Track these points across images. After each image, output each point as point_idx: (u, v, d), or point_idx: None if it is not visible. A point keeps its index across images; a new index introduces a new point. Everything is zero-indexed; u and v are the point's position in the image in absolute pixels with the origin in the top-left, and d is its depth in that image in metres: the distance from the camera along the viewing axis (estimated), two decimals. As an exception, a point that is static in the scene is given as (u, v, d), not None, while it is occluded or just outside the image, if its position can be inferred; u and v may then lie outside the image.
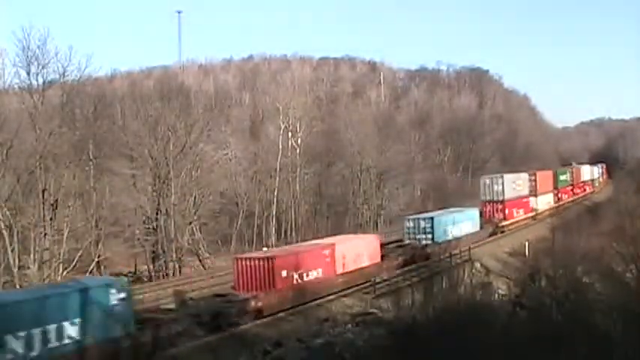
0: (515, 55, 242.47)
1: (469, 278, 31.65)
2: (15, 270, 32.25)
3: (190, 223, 43.86)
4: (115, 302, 19.89)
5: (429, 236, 39.21)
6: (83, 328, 18.78)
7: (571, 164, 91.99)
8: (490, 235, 47.87)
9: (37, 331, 17.69)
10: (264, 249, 39.84)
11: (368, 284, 30.41)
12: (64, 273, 34.18)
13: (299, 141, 59.63)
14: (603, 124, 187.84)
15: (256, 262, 26.60)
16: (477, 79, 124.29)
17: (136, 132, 43.91)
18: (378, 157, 63.90)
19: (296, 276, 27.48)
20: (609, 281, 28.47)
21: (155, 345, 20.40)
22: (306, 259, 28.71)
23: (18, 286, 31.98)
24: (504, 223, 51.65)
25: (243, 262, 26.81)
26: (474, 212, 47.61)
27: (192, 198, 44.68)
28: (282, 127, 58.85)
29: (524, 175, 60.63)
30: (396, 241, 40.66)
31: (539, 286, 30.37)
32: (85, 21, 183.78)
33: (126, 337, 19.71)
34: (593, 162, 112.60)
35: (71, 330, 18.54)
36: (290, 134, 59.19)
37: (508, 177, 55.67)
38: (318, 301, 27.98)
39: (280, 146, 57.55)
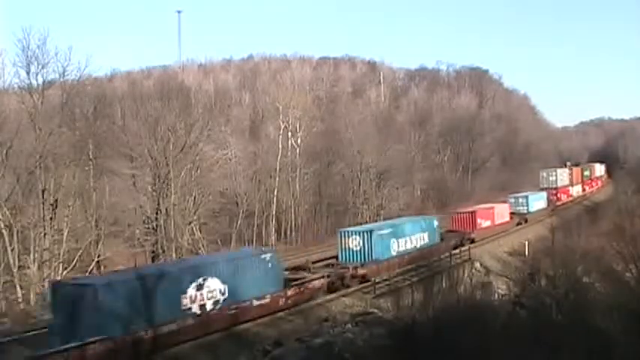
0: (515, 55, 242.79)
1: (469, 278, 31.69)
2: (15, 270, 32.25)
3: (190, 222, 43.87)
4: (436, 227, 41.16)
5: (525, 208, 60.07)
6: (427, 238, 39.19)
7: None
8: (551, 211, 64.47)
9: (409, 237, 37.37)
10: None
11: (368, 285, 30.86)
12: (64, 273, 34.17)
13: (299, 141, 59.62)
14: (603, 123, 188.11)
15: (466, 215, 48.10)
16: (477, 78, 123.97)
17: (136, 132, 43.91)
18: (377, 157, 63.82)
19: (483, 223, 48.84)
20: (609, 281, 28.54)
21: (155, 344, 20.40)
22: (485, 214, 50.03)
23: (18, 287, 32.03)
24: (558, 203, 71.45)
25: (457, 215, 48.47)
26: (545, 194, 68.12)
27: (192, 198, 44.67)
28: (282, 126, 58.83)
29: (566, 170, 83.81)
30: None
31: (539, 286, 30.41)
32: (85, 21, 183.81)
33: (125, 336, 19.71)
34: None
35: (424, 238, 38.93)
36: (290, 134, 59.18)
37: (559, 170, 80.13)
38: (318, 301, 28.07)
39: (280, 146, 57.52)
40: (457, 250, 39.54)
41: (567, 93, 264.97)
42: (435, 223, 41.02)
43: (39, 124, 35.33)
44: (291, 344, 22.67)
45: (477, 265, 38.95)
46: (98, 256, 38.32)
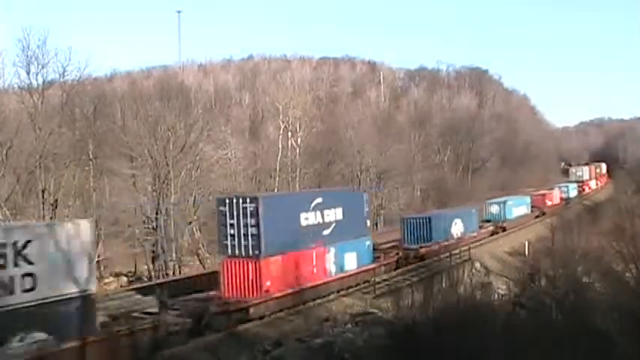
0: (515, 55, 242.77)
1: (469, 278, 31.67)
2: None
3: (190, 223, 43.86)
4: (529, 202, 62.88)
5: (567, 194, 78.98)
6: (525, 209, 61.34)
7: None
8: (581, 196, 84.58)
9: (519, 207, 59.09)
10: None
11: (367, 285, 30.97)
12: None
13: (299, 141, 59.60)
14: (603, 124, 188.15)
15: (539, 196, 66.12)
16: (477, 78, 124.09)
17: (136, 132, 43.92)
18: (377, 157, 63.86)
19: (548, 202, 67.05)
20: (609, 281, 28.49)
21: (155, 343, 20.38)
22: (550, 197, 69.36)
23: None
24: (584, 192, 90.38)
25: (536, 197, 64.86)
26: (576, 185, 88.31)
27: (192, 198, 44.69)
28: (282, 127, 58.82)
29: (587, 167, 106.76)
30: None
31: (539, 286, 30.40)
32: (85, 21, 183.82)
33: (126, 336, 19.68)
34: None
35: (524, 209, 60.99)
36: (290, 134, 59.17)
37: (584, 168, 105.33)
38: (318, 301, 28.10)
39: (280, 146, 57.51)
40: (457, 250, 39.69)
41: (567, 93, 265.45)
42: (528, 199, 61.91)
43: (39, 124, 35.41)
44: (291, 344, 22.64)
45: (477, 265, 38.91)
46: (98, 256, 38.28)
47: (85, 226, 18.65)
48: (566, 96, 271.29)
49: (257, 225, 24.39)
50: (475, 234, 45.83)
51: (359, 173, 63.02)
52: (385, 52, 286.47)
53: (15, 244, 16.49)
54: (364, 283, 30.19)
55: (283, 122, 58.89)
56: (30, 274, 16.58)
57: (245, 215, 24.58)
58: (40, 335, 16.53)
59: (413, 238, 38.73)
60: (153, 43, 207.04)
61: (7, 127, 35.13)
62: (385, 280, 31.54)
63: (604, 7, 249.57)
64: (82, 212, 38.77)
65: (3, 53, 40.46)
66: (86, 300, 17.92)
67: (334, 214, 28.15)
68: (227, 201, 25.31)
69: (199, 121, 47.23)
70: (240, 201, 24.90)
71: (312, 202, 27.31)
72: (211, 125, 50.63)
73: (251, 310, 24.07)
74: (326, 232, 27.78)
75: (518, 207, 57.59)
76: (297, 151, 59.29)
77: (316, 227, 27.21)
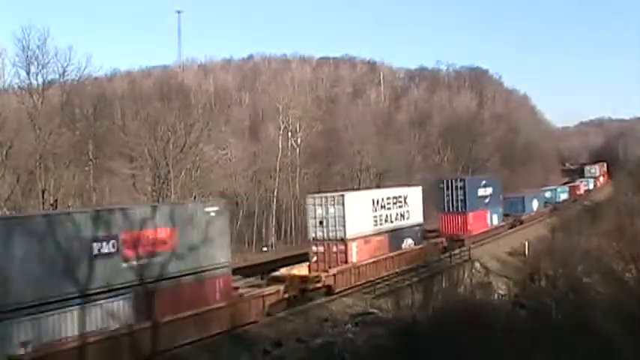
0: (515, 55, 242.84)
1: (469, 278, 31.66)
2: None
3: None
4: (566, 191, 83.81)
5: (587, 186, 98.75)
6: (565, 196, 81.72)
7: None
8: (595, 189, 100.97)
9: (561, 195, 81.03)
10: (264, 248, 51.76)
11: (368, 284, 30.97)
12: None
13: (299, 141, 59.60)
14: (603, 123, 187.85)
15: (572, 187, 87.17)
16: (477, 78, 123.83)
17: (135, 132, 43.91)
18: (377, 157, 63.84)
19: (577, 192, 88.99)
20: (609, 281, 28.51)
21: (155, 343, 20.36)
22: (579, 187, 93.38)
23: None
24: (598, 186, 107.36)
25: (572, 188, 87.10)
26: (593, 180, 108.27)
27: (192, 198, 44.66)
28: (282, 127, 58.83)
29: (597, 166, 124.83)
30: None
31: (539, 286, 30.39)
32: (85, 21, 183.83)
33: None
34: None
35: (565, 195, 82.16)
36: (290, 134, 59.17)
37: (596, 166, 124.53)
38: (318, 301, 28.06)
39: (280, 146, 57.50)
40: (457, 250, 39.75)
41: (567, 93, 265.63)
42: (567, 189, 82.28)
43: (39, 124, 35.40)
44: (291, 344, 22.62)
45: (477, 265, 38.84)
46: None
47: (419, 190, 38.35)
48: (566, 96, 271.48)
49: (464, 195, 44.16)
50: (543, 210, 64.51)
51: (359, 173, 62.98)
52: (385, 52, 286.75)
53: (404, 195, 35.82)
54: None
55: (283, 122, 58.90)
56: (408, 211, 35.61)
57: (456, 189, 44.27)
58: (410, 241, 35.82)
59: (513, 210, 56.51)
60: (153, 43, 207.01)
61: (7, 127, 35.11)
62: (385, 280, 31.55)
63: (604, 7, 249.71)
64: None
65: (3, 53, 40.35)
66: (421, 226, 37.92)
67: (489, 191, 48.48)
68: (445, 181, 45.38)
69: (199, 122, 47.23)
70: (453, 181, 45.02)
71: (481, 183, 48.44)
72: (211, 125, 50.61)
73: (465, 240, 41.97)
74: (486, 200, 48.04)
75: (563, 193, 79.04)
76: (297, 151, 59.29)
77: (482, 198, 47.50)
